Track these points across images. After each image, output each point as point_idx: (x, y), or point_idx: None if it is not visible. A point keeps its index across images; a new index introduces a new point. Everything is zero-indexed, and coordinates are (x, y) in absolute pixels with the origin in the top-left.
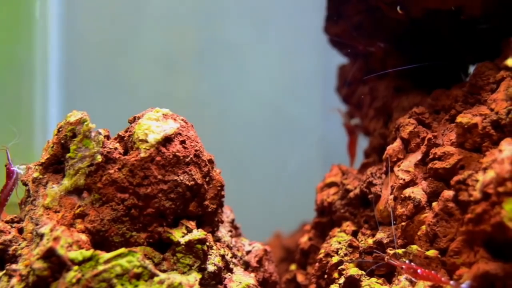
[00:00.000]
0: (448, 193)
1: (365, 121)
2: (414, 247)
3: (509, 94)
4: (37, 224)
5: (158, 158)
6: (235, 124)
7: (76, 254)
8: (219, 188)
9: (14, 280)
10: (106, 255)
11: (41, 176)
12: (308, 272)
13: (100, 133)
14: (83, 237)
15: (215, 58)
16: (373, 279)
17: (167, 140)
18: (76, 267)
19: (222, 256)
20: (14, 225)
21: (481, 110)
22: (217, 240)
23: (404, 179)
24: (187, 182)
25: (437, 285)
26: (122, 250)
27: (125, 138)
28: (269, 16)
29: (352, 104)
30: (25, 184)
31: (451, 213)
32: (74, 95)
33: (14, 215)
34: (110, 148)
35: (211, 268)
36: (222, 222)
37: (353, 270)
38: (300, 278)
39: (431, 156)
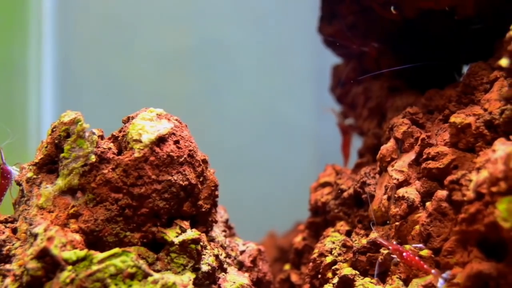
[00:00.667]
0: (441, 193)
1: (359, 121)
2: (408, 246)
3: (503, 94)
4: (31, 224)
5: (152, 158)
6: (229, 124)
7: (70, 254)
8: (213, 188)
9: (8, 280)
10: (100, 255)
11: (35, 176)
12: (302, 272)
13: (94, 133)
14: (77, 237)
15: (209, 58)
16: (367, 279)
17: (161, 140)
18: (70, 267)
19: (216, 256)
20: (8, 225)
21: (475, 110)
22: (211, 240)
23: (398, 179)
24: (181, 182)
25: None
26: (116, 250)
27: (119, 138)
28: (263, 16)
29: (346, 104)
30: (19, 184)
31: (444, 213)
32: (68, 95)
33: (8, 215)
34: (104, 148)
35: (205, 268)
36: (216, 222)
37: (347, 270)
38: (294, 278)
39: (424, 156)
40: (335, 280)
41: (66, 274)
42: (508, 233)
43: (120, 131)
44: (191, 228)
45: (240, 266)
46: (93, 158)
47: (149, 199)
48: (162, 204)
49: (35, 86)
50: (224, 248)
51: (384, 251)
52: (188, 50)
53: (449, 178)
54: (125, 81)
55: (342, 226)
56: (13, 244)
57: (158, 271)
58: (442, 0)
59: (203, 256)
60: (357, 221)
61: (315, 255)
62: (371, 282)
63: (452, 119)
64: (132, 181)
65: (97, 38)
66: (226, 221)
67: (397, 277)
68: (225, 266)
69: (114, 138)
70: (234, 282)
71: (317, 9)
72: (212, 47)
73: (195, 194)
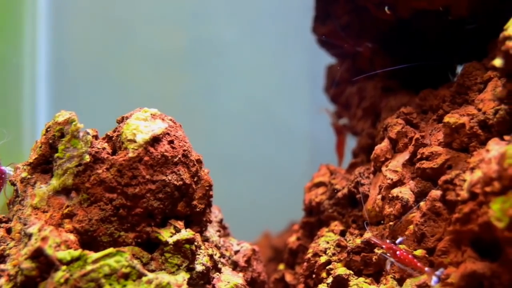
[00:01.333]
0: (435, 193)
1: (353, 121)
2: (402, 246)
3: (497, 94)
4: (25, 224)
5: (146, 158)
6: (223, 124)
7: (64, 254)
8: (207, 188)
9: (2, 280)
10: (94, 255)
11: (29, 176)
12: (296, 271)
13: (88, 133)
14: (71, 237)
15: (203, 58)
16: (361, 279)
17: (155, 140)
18: (64, 267)
19: (211, 256)
20: (2, 225)
21: (469, 110)
22: (206, 240)
23: (392, 179)
24: (175, 182)
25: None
26: (110, 250)
27: (113, 138)
28: (258, 16)
29: (340, 104)
30: (13, 184)
31: (438, 212)
32: (62, 95)
33: (2, 215)
34: (98, 148)
35: (199, 268)
36: (210, 222)
37: (341, 270)
38: (288, 277)
39: (418, 156)
40: (329, 280)
41: (60, 274)
42: (502, 233)
43: (114, 131)
44: (186, 228)
45: (235, 266)
46: (87, 158)
47: (144, 199)
48: (156, 204)
49: (29, 86)
50: (218, 248)
51: (378, 251)
52: (183, 50)
53: (443, 178)
54: (120, 81)
55: (336, 226)
56: (7, 244)
57: (152, 271)
58: (436, 0)
59: (197, 256)
60: (351, 221)
61: (309, 255)
62: (365, 282)
63: (446, 119)
64: (126, 181)
65: (91, 38)
66: (221, 221)
67: (391, 277)
68: (219, 266)
69: (108, 138)
70: (228, 282)
71: (311, 9)
72: (206, 47)
73: (190, 194)
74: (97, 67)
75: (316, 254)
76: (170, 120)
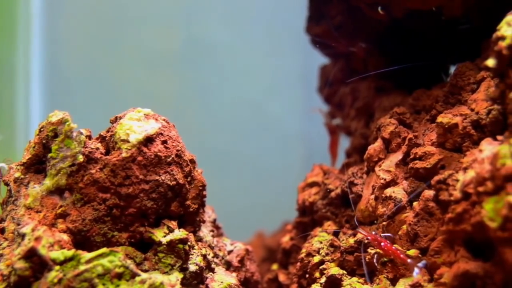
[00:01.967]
0: (428, 193)
1: (346, 121)
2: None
3: (490, 94)
4: (18, 224)
5: (139, 158)
6: (217, 124)
7: (58, 254)
8: (200, 188)
9: None
10: (87, 255)
11: (22, 176)
12: (290, 271)
13: (81, 133)
14: (65, 237)
15: (197, 58)
16: (354, 279)
17: (148, 140)
18: (57, 267)
19: (204, 256)
20: None
21: (462, 110)
22: (199, 240)
23: (385, 179)
24: (168, 182)
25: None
26: (104, 250)
27: (106, 138)
28: (251, 16)
29: (334, 104)
30: (6, 184)
31: (431, 212)
32: (56, 95)
33: None
34: (92, 148)
35: (192, 267)
36: (204, 222)
37: (334, 270)
38: (282, 277)
39: (412, 156)
40: (323, 279)
41: (53, 274)
42: (494, 232)
43: (107, 131)
44: (179, 228)
45: (228, 266)
46: (80, 158)
47: (137, 199)
48: (149, 204)
49: (23, 86)
50: (211, 248)
51: (371, 251)
52: (177, 50)
53: (436, 178)
54: (113, 81)
55: (330, 226)
56: (0, 244)
57: (145, 271)
58: (429, 1)
59: (190, 256)
60: (344, 221)
61: (302, 255)
62: (359, 282)
63: (439, 119)
64: (119, 181)
65: (85, 38)
66: (214, 221)
67: (384, 277)
68: (212, 266)
69: (101, 138)
70: (221, 282)
71: (305, 9)
72: (200, 47)
73: (183, 194)
74: (91, 67)
75: (309, 254)
76: (164, 120)
